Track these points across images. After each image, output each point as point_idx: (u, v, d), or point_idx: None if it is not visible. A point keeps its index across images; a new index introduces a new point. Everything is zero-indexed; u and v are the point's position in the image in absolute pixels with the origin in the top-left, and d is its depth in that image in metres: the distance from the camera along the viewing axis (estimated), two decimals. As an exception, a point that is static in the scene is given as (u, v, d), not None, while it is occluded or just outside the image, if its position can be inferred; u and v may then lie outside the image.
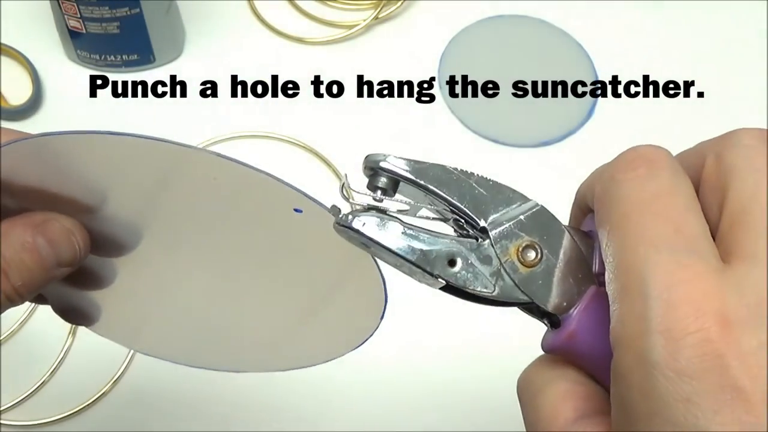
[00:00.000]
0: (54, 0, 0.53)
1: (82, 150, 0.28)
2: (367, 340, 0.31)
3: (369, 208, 0.26)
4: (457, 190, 0.26)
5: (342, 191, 0.27)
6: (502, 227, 0.26)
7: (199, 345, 0.36)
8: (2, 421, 0.46)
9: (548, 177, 0.55)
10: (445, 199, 0.26)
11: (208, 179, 0.28)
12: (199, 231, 0.31)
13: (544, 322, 0.26)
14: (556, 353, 0.26)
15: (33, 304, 0.49)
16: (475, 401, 0.48)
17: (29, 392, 0.47)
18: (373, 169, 0.27)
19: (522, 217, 0.26)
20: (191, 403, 0.47)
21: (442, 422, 0.47)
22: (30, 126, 0.55)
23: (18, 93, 0.56)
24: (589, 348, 0.24)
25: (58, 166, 0.28)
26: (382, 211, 0.26)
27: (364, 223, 0.25)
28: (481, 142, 0.57)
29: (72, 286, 0.33)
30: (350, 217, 0.25)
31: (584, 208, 0.27)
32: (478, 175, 0.26)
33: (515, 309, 0.26)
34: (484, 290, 0.25)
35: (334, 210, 0.26)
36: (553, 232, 0.26)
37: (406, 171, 0.26)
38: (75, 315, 0.34)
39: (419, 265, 0.25)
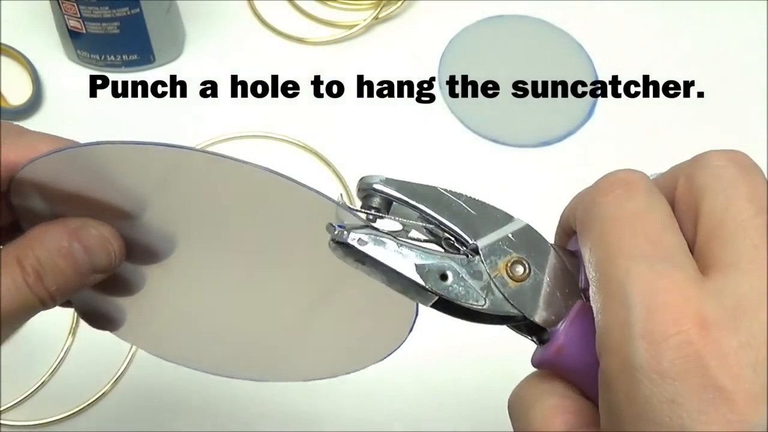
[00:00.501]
0: (54, 0, 0.53)
1: (125, 159, 0.28)
2: (393, 352, 0.31)
3: (363, 227, 0.26)
4: (447, 209, 0.27)
5: (337, 210, 0.27)
6: (491, 244, 0.27)
7: (224, 354, 0.36)
8: (2, 421, 0.46)
9: (548, 177, 0.55)
10: (436, 219, 0.27)
11: (253, 195, 0.28)
12: (233, 241, 0.31)
13: (533, 340, 0.27)
14: (545, 368, 0.26)
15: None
16: (476, 402, 0.48)
17: (29, 392, 0.47)
18: (366, 190, 0.27)
19: (510, 234, 0.27)
20: (191, 402, 0.47)
21: (443, 423, 0.47)
22: (30, 126, 0.55)
23: (18, 93, 0.56)
24: (577, 361, 0.25)
25: (99, 174, 0.28)
26: (376, 229, 0.26)
27: (359, 239, 0.26)
28: (481, 142, 0.57)
29: (101, 292, 0.33)
30: (345, 233, 0.26)
31: (568, 230, 0.28)
32: (467, 196, 0.28)
33: (505, 327, 0.27)
34: (476, 304, 0.26)
35: (329, 228, 0.27)
36: (540, 249, 0.27)
37: (399, 192, 0.27)
38: (100, 320, 0.34)
39: (412, 279, 0.26)
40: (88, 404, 0.47)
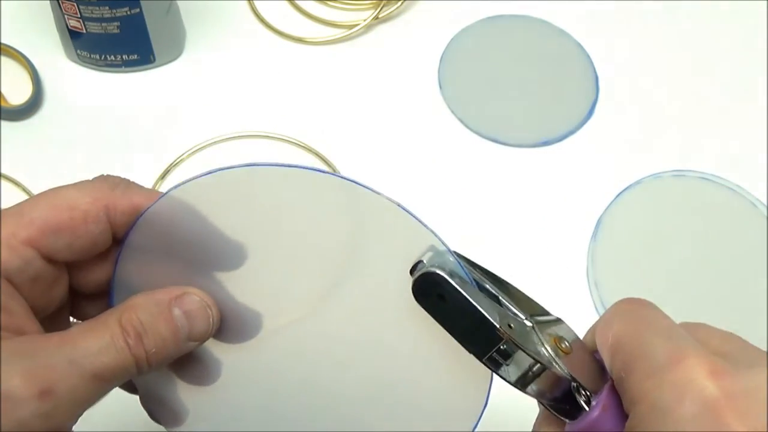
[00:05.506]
0: (54, 0, 0.53)
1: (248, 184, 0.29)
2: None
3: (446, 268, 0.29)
4: (503, 288, 0.30)
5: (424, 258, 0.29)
6: (539, 321, 0.30)
7: None
8: (2, 421, 0.46)
9: (548, 177, 0.55)
10: (497, 293, 0.30)
11: (396, 246, 0.30)
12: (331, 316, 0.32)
13: (562, 418, 0.29)
14: None
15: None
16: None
17: (29, 392, 0.47)
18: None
19: (550, 318, 0.31)
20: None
21: None
22: (30, 126, 0.55)
23: (18, 93, 0.56)
24: (612, 425, 0.27)
25: (205, 215, 0.29)
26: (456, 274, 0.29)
27: (450, 271, 0.28)
28: (481, 142, 0.57)
29: (176, 374, 0.33)
30: (437, 269, 0.28)
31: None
32: (511, 284, 0.31)
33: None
34: (536, 355, 0.28)
35: (418, 264, 0.29)
36: (574, 335, 0.30)
37: (468, 265, 0.30)
38: (163, 412, 0.34)
39: (488, 318, 0.28)
40: (88, 404, 0.47)
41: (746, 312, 0.50)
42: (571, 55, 0.60)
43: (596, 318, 0.49)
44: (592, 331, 0.30)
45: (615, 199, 0.54)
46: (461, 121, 0.57)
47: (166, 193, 0.30)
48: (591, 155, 0.56)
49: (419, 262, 0.29)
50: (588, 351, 0.30)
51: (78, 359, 0.26)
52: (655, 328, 0.27)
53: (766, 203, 0.54)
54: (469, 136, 0.57)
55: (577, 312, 0.51)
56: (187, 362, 0.32)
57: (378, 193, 0.29)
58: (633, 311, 0.28)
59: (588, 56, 0.60)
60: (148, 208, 0.30)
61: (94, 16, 0.53)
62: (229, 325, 0.31)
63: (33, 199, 0.29)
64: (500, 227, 0.53)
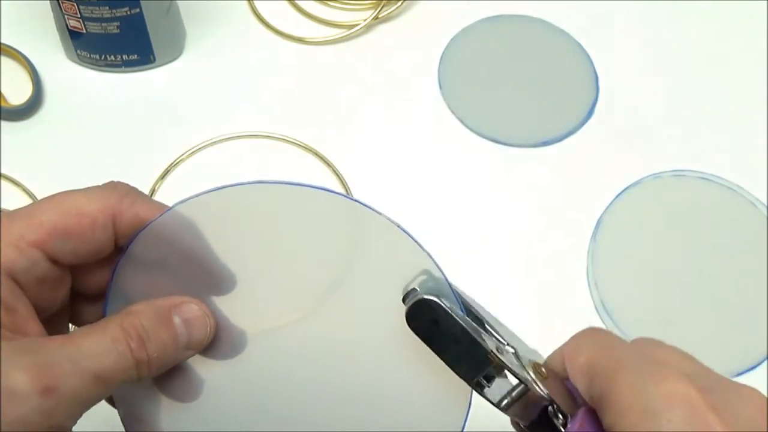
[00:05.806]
0: (54, 0, 0.53)
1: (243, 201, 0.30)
2: None
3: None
4: (488, 317, 0.31)
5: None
6: (522, 348, 0.31)
7: None
8: (2, 421, 0.46)
9: (548, 177, 0.55)
10: (484, 320, 0.31)
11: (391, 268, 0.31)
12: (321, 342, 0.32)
13: None
14: None
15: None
16: None
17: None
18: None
19: (527, 348, 0.32)
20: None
21: None
22: (30, 126, 0.55)
23: (18, 93, 0.56)
24: None
25: (203, 234, 0.30)
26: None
27: (441, 298, 0.29)
28: (481, 142, 0.57)
29: (159, 389, 0.33)
30: (431, 296, 0.29)
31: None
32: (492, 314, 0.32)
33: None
34: (522, 378, 0.29)
35: (411, 292, 0.29)
36: (548, 364, 0.31)
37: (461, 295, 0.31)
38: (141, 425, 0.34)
39: (480, 342, 0.28)
40: (88, 404, 0.47)
41: (746, 312, 0.50)
42: (571, 55, 0.60)
43: (597, 318, 0.50)
44: (557, 359, 0.31)
45: (615, 199, 0.54)
46: (461, 121, 0.57)
47: (171, 208, 0.30)
48: (591, 155, 0.56)
49: (412, 289, 0.29)
50: (560, 379, 0.31)
51: (80, 360, 0.27)
52: (625, 350, 0.28)
53: (766, 203, 0.54)
54: (469, 136, 0.57)
55: (577, 312, 0.52)
56: (174, 377, 0.32)
57: (378, 213, 0.29)
58: (597, 338, 0.29)
59: (588, 56, 0.60)
60: (151, 222, 0.30)
61: (94, 16, 0.53)
62: (217, 338, 0.32)
63: (43, 201, 0.29)
64: (500, 227, 0.53)
